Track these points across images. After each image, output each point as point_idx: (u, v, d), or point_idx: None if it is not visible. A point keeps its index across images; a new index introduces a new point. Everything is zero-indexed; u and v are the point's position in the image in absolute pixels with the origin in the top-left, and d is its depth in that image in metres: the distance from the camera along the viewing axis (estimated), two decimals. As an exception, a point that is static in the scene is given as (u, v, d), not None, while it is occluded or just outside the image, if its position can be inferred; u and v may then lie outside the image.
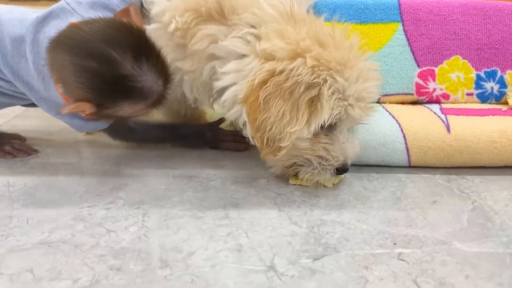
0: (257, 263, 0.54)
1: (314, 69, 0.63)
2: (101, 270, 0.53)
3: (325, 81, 0.64)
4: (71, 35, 0.63)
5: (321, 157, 0.69)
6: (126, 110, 0.65)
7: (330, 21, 0.84)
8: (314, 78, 0.63)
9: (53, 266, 0.53)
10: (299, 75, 0.63)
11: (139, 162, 0.83)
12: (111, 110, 0.64)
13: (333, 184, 0.74)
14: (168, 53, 0.69)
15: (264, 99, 0.63)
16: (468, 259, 0.57)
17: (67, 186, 0.73)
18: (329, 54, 0.65)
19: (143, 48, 0.62)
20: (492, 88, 0.89)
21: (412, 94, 0.89)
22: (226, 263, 0.54)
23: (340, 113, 0.66)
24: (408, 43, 0.87)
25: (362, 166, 0.81)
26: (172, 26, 0.69)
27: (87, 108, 0.63)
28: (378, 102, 0.90)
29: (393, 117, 0.81)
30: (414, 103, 0.90)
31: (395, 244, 0.59)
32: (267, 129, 0.65)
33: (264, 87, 0.63)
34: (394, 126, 0.79)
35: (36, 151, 0.85)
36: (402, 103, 0.90)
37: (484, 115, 0.82)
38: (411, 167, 0.81)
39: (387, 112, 0.83)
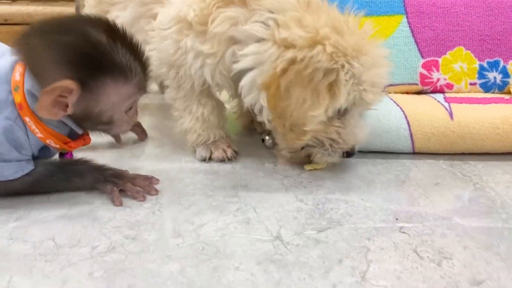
0: (264, 234, 0.57)
1: (333, 55, 0.66)
2: (117, 239, 0.56)
3: (343, 66, 0.67)
4: (39, 26, 0.61)
5: (332, 139, 0.72)
6: (111, 92, 0.60)
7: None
8: (333, 64, 0.66)
9: (72, 235, 0.57)
10: (318, 61, 0.66)
11: (153, 148, 0.87)
12: (95, 92, 0.59)
13: (311, 169, 0.77)
14: (189, 42, 0.72)
15: (285, 87, 0.66)
16: (468, 232, 0.59)
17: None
18: (346, 41, 0.67)
19: (115, 31, 0.62)
20: (495, 78, 0.91)
21: (417, 84, 0.91)
22: (235, 233, 0.57)
23: (355, 97, 0.70)
24: (412, 34, 0.89)
25: (368, 152, 0.84)
26: (192, 15, 0.72)
27: (69, 85, 0.56)
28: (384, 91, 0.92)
29: (398, 105, 0.84)
30: (418, 93, 0.93)
31: (397, 219, 0.62)
32: (289, 115, 0.68)
33: (285, 75, 0.66)
34: (398, 113, 0.81)
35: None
36: (407, 93, 0.92)
37: (486, 103, 0.84)
38: (416, 153, 0.83)
39: (391, 101, 0.86)
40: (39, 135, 0.62)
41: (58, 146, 0.65)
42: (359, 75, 0.68)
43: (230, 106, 0.96)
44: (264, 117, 0.72)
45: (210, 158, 0.81)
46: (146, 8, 0.84)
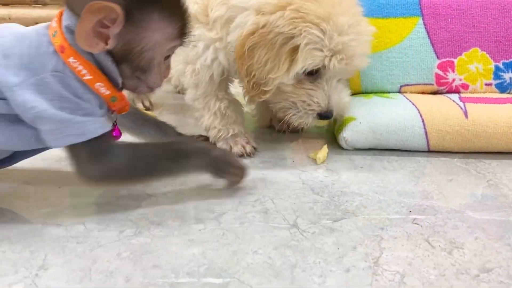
0: (282, 222, 0.60)
1: (292, 21, 0.70)
2: (143, 225, 0.59)
3: (300, 32, 0.70)
4: None
5: (304, 101, 0.77)
6: (156, 29, 0.57)
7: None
8: (291, 30, 0.70)
9: (101, 220, 0.60)
10: (277, 26, 0.70)
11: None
12: (140, 25, 0.55)
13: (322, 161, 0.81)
14: (197, 32, 0.77)
15: (249, 48, 0.71)
16: (479, 224, 0.61)
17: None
18: (310, 8, 0.71)
19: None
20: (510, 78, 0.92)
21: (432, 84, 0.93)
22: (253, 221, 0.60)
23: (314, 62, 0.72)
24: (428, 36, 0.91)
25: (383, 150, 0.86)
26: (195, 7, 0.78)
27: (115, 9, 0.52)
28: (399, 92, 0.95)
29: (413, 104, 0.86)
30: (434, 93, 0.94)
31: (410, 211, 0.64)
32: (252, 74, 0.73)
33: (250, 37, 0.71)
34: (413, 111, 0.83)
35: None
36: (423, 93, 0.94)
37: (502, 103, 0.85)
38: (431, 151, 0.85)
39: (407, 100, 0.88)
40: (87, 76, 0.56)
41: (109, 92, 0.59)
42: (319, 41, 0.71)
43: (249, 109, 0.99)
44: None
45: (229, 154, 0.85)
46: None
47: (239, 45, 0.72)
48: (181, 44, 0.62)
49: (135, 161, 0.60)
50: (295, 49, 0.71)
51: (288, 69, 0.72)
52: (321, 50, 0.72)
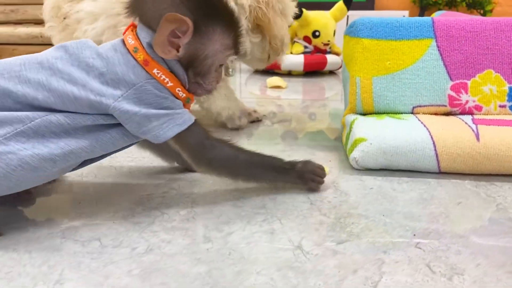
0: (286, 243, 0.62)
1: None
2: (155, 242, 0.63)
3: None
4: None
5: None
6: (218, 39, 0.66)
7: (369, 39, 0.92)
8: None
9: (116, 237, 0.64)
10: None
11: (191, 162, 0.94)
12: (205, 37, 0.65)
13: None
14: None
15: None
16: (483, 250, 0.61)
17: (131, 177, 0.85)
18: None
19: None
20: (525, 100, 0.92)
21: (445, 106, 0.94)
22: (259, 242, 0.63)
23: None
24: (441, 57, 0.92)
25: (394, 171, 0.87)
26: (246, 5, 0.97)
27: (187, 21, 0.62)
28: (412, 113, 0.95)
29: (424, 125, 0.87)
30: (447, 114, 0.95)
31: (414, 235, 0.65)
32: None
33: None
34: (424, 133, 0.84)
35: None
36: (436, 114, 0.95)
37: (515, 126, 0.85)
38: (442, 173, 0.86)
39: (418, 121, 0.89)
40: (170, 84, 0.66)
41: (185, 95, 0.69)
42: None
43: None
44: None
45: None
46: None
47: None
48: (235, 54, 0.72)
49: (235, 160, 0.72)
50: None
51: None
52: None
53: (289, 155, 0.97)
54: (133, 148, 0.99)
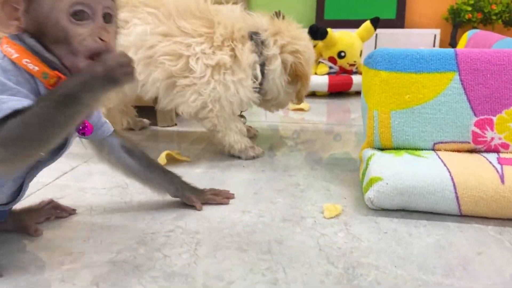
0: (288, 297, 0.59)
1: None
2: (153, 290, 0.61)
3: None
4: None
5: None
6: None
7: (388, 71, 0.89)
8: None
9: (114, 282, 0.63)
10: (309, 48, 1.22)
11: (201, 195, 0.92)
12: (37, 1, 0.57)
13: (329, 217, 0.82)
14: (227, 77, 1.05)
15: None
16: (501, 314, 0.56)
17: (139, 211, 0.84)
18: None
19: None
20: (556, 139, 0.86)
21: (469, 143, 0.89)
22: (260, 294, 0.60)
23: None
24: (465, 92, 0.87)
25: (412, 212, 0.83)
26: (228, 60, 1.05)
27: None
28: (433, 149, 0.91)
29: (444, 164, 0.82)
30: (470, 151, 0.90)
31: (427, 291, 0.61)
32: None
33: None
34: (444, 174, 0.80)
35: (74, 210, 0.84)
36: (458, 151, 0.90)
37: (545, 167, 0.80)
38: (463, 215, 0.81)
39: (439, 160, 0.84)
40: (15, 55, 0.58)
41: (37, 68, 0.59)
42: None
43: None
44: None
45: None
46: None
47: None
48: None
49: (24, 126, 0.54)
50: None
51: None
52: None
53: (303, 189, 0.94)
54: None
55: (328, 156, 1.19)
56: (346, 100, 2.00)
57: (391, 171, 0.82)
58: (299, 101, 1.25)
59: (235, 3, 2.80)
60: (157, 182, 0.84)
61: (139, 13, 1.06)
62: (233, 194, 0.90)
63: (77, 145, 1.22)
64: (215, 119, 1.09)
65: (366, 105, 0.96)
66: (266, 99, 1.21)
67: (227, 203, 0.87)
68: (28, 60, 0.58)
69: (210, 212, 0.84)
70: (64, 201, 0.87)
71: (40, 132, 0.55)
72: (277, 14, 2.82)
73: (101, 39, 0.59)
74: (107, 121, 0.78)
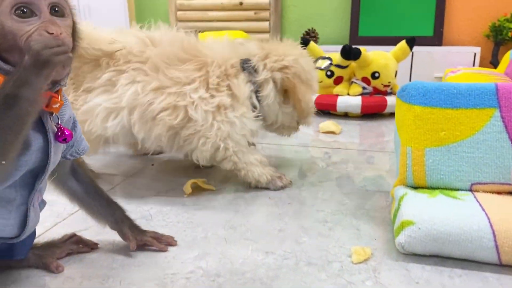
0: None
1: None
2: None
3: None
4: None
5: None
6: None
7: (422, 106, 0.84)
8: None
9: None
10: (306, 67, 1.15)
11: (224, 230, 0.89)
12: None
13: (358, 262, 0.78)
14: (229, 114, 1.04)
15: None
16: None
17: (159, 251, 0.82)
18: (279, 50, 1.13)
19: None
20: None
21: (510, 184, 0.83)
22: None
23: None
24: (506, 130, 0.82)
25: (447, 259, 0.77)
26: (229, 100, 1.04)
27: None
28: (470, 190, 0.85)
29: (483, 209, 0.76)
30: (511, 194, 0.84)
31: None
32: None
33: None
34: (482, 220, 0.74)
35: (96, 244, 0.83)
36: (498, 193, 0.84)
37: None
38: (503, 265, 0.75)
39: (477, 203, 0.79)
40: None
41: None
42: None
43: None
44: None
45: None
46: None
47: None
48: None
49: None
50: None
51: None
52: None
53: (330, 227, 0.90)
54: (169, 212, 0.97)
55: (358, 187, 1.15)
56: (380, 122, 1.94)
57: (424, 215, 0.77)
58: (303, 118, 1.20)
59: (267, 20, 2.73)
60: (99, 211, 0.80)
61: (124, 71, 1.03)
62: (175, 241, 0.84)
63: (103, 176, 1.23)
64: (234, 157, 1.06)
65: (399, 140, 0.92)
66: (268, 125, 1.19)
67: (166, 251, 0.81)
68: None
69: (233, 251, 0.81)
70: (86, 233, 0.87)
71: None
72: (310, 32, 2.79)
73: (48, 32, 0.55)
74: (84, 138, 0.77)
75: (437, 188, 0.87)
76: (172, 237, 0.85)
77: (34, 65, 0.53)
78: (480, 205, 0.78)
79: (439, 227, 0.75)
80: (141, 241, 0.81)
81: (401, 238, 0.77)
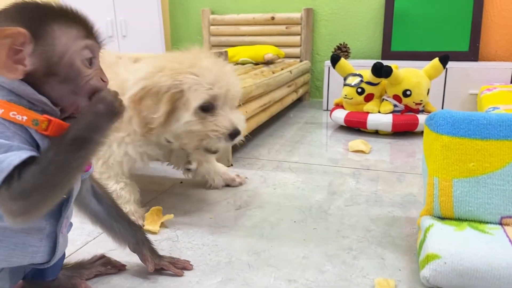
0: None
1: (171, 75, 0.96)
2: None
3: (181, 81, 0.95)
4: None
5: (213, 130, 0.99)
6: (60, 35, 0.60)
7: (450, 136, 0.83)
8: (172, 82, 0.95)
9: None
10: (159, 82, 0.96)
11: (248, 255, 0.90)
12: (46, 37, 0.59)
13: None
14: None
15: (139, 99, 0.97)
16: None
17: (184, 272, 0.84)
18: (178, 65, 0.98)
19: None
20: None
21: (542, 219, 0.80)
22: None
23: (204, 98, 0.96)
24: (538, 163, 0.80)
25: (474, 295, 0.76)
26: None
27: (19, 30, 0.56)
28: (500, 224, 0.83)
29: (513, 245, 0.74)
30: (544, 228, 0.81)
31: None
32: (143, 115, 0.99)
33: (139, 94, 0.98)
34: (511, 256, 0.72)
35: (124, 265, 0.87)
36: (529, 227, 0.81)
37: None
38: (533, 305, 0.72)
39: (506, 238, 0.77)
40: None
41: (26, 117, 0.58)
42: (197, 82, 0.96)
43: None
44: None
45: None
46: None
47: (131, 102, 0.97)
48: (95, 43, 0.63)
49: (41, 175, 0.56)
50: (175, 95, 0.95)
51: (172, 111, 0.97)
52: (203, 87, 0.96)
53: (355, 256, 0.90)
54: (195, 233, 0.99)
55: (386, 212, 1.13)
56: (411, 141, 1.91)
57: (451, 249, 0.76)
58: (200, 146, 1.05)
59: (298, 34, 2.69)
60: (120, 232, 0.82)
61: None
62: (191, 265, 0.86)
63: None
64: None
65: (426, 169, 0.90)
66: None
67: (181, 275, 0.83)
68: (15, 112, 0.58)
69: (256, 278, 0.82)
70: (115, 254, 0.89)
71: (58, 177, 0.58)
72: (342, 47, 2.73)
73: (103, 80, 0.64)
74: None
75: (465, 220, 0.85)
76: (188, 261, 0.87)
77: (107, 114, 0.60)
78: (510, 240, 0.76)
79: (465, 263, 0.73)
80: (158, 265, 0.84)
81: (426, 272, 0.76)
